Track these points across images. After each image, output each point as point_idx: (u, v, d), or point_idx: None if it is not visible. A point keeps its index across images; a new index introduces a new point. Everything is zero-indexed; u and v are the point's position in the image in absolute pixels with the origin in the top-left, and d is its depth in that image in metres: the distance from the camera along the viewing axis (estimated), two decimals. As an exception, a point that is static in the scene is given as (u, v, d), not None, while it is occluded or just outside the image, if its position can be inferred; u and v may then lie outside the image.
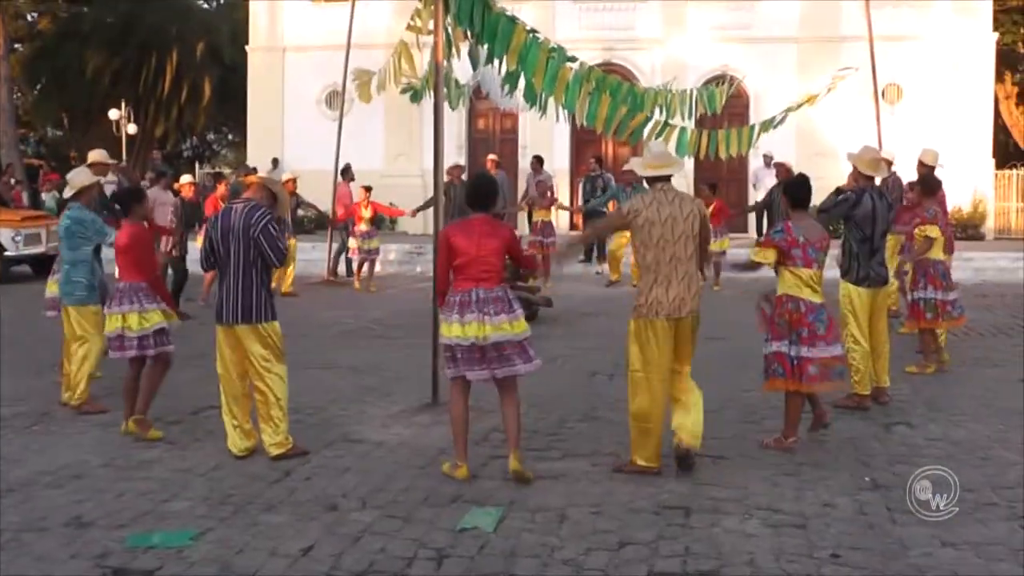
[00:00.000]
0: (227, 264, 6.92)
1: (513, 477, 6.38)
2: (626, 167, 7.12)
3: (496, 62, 8.91)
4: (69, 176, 8.90)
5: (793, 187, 7.45)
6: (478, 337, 6.30)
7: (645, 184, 6.88)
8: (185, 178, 15.16)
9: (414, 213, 18.12)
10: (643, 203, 6.57)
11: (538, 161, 20.45)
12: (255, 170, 19.79)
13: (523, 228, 21.48)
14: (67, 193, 8.74)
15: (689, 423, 6.65)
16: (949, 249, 10.79)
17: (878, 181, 9.00)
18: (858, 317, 8.45)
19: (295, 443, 7.06)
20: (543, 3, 27.43)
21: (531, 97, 9.62)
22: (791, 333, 7.08)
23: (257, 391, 6.98)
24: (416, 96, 11.23)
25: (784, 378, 7.12)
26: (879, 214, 8.45)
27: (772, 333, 7.19)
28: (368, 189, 17.91)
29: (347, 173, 19.13)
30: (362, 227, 17.43)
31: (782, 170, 16.72)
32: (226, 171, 33.47)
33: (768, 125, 9.89)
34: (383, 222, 25.43)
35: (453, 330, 6.37)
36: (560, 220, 24.15)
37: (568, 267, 18.66)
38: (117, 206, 8.55)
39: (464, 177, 17.77)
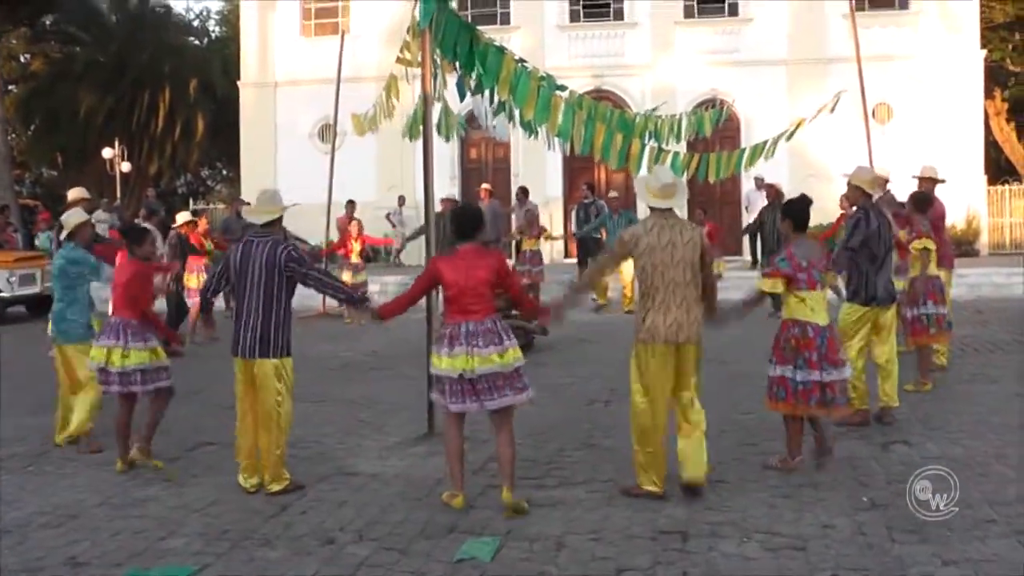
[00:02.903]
0: (244, 297, 6.92)
1: (509, 510, 6.31)
2: (636, 188, 7.12)
3: (486, 92, 8.95)
4: (63, 218, 8.97)
5: (797, 210, 7.38)
6: (465, 370, 6.30)
7: (647, 208, 6.83)
8: (182, 216, 15.19)
9: (402, 246, 18.13)
10: (644, 229, 6.60)
11: (523, 192, 20.46)
12: (247, 203, 19.83)
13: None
14: (62, 235, 8.80)
15: (691, 453, 6.62)
16: (949, 264, 10.79)
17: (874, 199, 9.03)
18: (860, 336, 8.45)
19: (292, 478, 7.05)
20: (532, 31, 27.62)
21: (526, 126, 9.66)
22: (797, 358, 7.07)
23: (264, 425, 6.97)
24: (411, 133, 11.26)
25: (785, 401, 7.12)
26: (883, 232, 8.48)
27: (777, 357, 7.18)
28: (358, 222, 18.04)
29: (350, 207, 19.28)
30: (352, 259, 17.51)
31: (772, 191, 16.80)
32: (220, 206, 33.57)
33: (758, 152, 9.92)
34: (379, 254, 25.54)
35: (442, 362, 6.38)
36: (553, 248, 24.26)
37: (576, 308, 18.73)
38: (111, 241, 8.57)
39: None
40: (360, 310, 7.59)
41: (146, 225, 12.13)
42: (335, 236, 19.03)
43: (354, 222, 18.11)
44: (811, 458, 7.29)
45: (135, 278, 7.92)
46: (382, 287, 20.46)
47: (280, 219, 7.22)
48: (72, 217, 8.85)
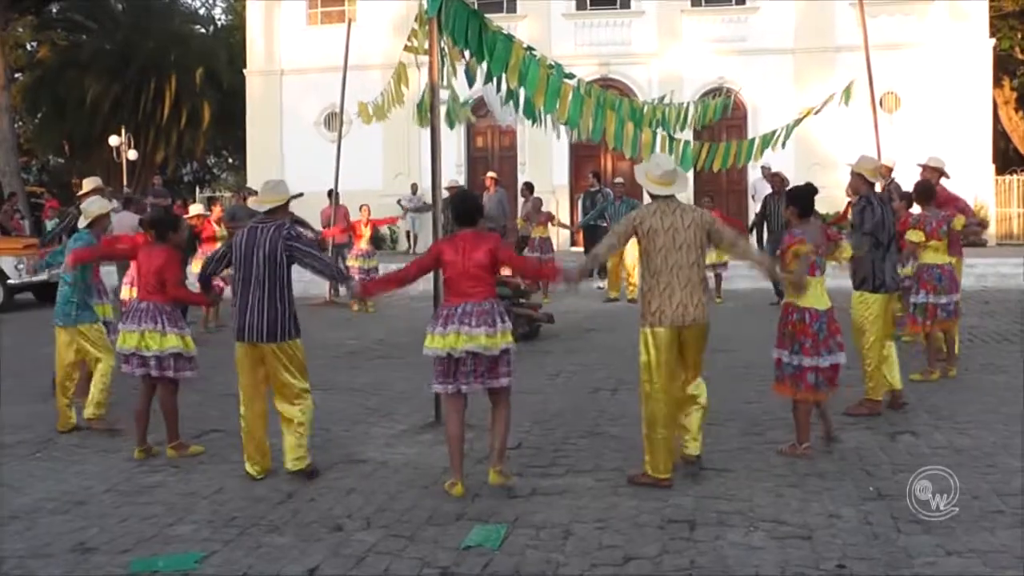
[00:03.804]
0: (249, 282, 6.92)
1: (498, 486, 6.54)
2: (636, 175, 7.17)
3: (494, 79, 8.94)
4: (83, 206, 8.97)
5: (801, 197, 7.43)
6: (454, 348, 6.38)
7: (647, 196, 6.88)
8: (194, 209, 15.29)
9: (405, 213, 18.08)
10: (647, 212, 6.65)
11: (528, 188, 20.39)
12: (255, 192, 19.84)
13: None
14: (82, 223, 8.81)
15: (690, 427, 6.79)
16: (957, 252, 10.74)
17: (877, 188, 9.03)
18: (876, 325, 8.47)
19: (312, 462, 7.11)
20: (539, 20, 27.58)
21: (531, 113, 9.65)
22: (793, 343, 7.12)
23: (286, 413, 7.01)
24: (420, 119, 11.23)
25: (782, 383, 7.28)
26: (887, 220, 8.52)
27: (777, 340, 7.29)
28: (366, 207, 18.08)
29: (331, 196, 19.30)
30: (362, 246, 17.51)
31: (777, 180, 16.75)
32: (227, 194, 33.66)
33: (768, 142, 9.93)
34: (383, 241, 25.55)
35: (434, 341, 6.48)
36: (560, 236, 24.24)
37: (584, 288, 18.80)
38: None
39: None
40: (347, 288, 7.63)
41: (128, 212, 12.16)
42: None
43: (363, 207, 18.11)
44: (820, 445, 7.37)
45: (167, 265, 7.87)
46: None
47: (284, 207, 7.20)
48: (92, 206, 8.86)
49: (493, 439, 6.68)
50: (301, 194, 7.77)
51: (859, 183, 8.68)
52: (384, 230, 25.06)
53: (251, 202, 7.39)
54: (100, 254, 8.87)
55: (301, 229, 14.23)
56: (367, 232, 17.63)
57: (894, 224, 8.77)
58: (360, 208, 18.16)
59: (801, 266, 7.24)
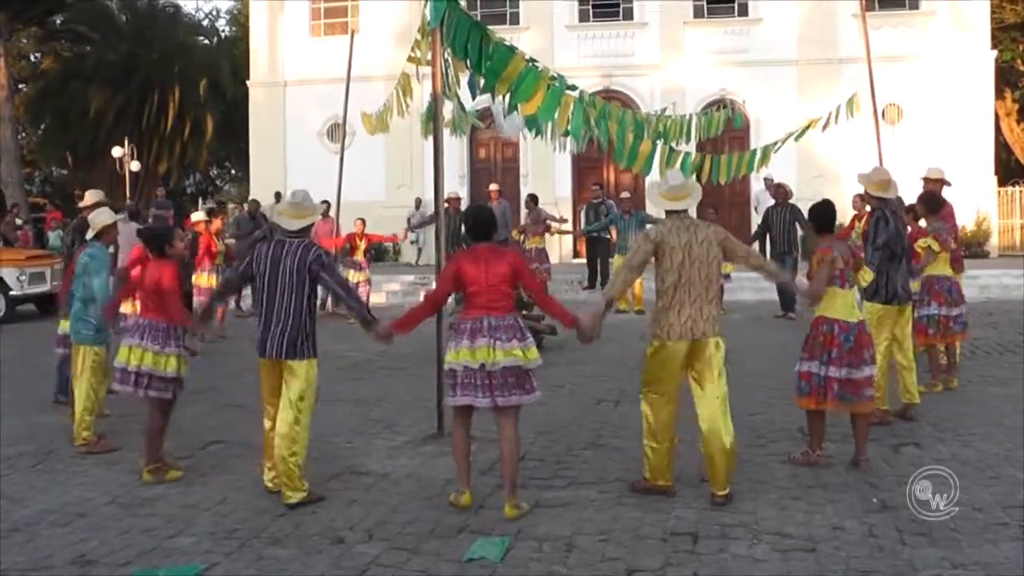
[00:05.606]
0: (272, 298, 6.83)
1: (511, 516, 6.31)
2: (648, 196, 7.17)
3: (493, 90, 8.95)
4: (90, 217, 8.91)
5: (817, 214, 7.49)
6: (488, 361, 6.27)
7: (663, 212, 6.85)
8: (197, 215, 15.19)
9: (406, 234, 18.09)
10: (662, 231, 6.62)
11: (532, 199, 20.31)
12: (258, 203, 19.88)
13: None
14: (89, 234, 8.74)
15: (719, 466, 6.52)
16: (959, 267, 10.77)
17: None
18: (881, 336, 8.49)
19: (310, 488, 6.82)
20: (541, 31, 27.61)
21: (532, 124, 9.65)
22: (823, 354, 7.14)
23: (282, 429, 6.76)
24: (424, 130, 11.22)
25: (809, 396, 7.22)
26: (900, 231, 8.55)
27: (806, 352, 7.27)
28: (362, 221, 18.16)
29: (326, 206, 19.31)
30: (356, 258, 17.55)
31: (781, 192, 16.73)
32: (230, 205, 33.68)
33: (770, 151, 9.93)
34: (386, 253, 25.54)
35: (462, 355, 6.32)
36: (562, 247, 24.21)
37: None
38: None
39: (462, 208, 17.83)
40: (370, 331, 7.31)
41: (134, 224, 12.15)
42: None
43: (358, 221, 18.17)
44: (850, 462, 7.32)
45: (168, 280, 7.68)
46: (388, 286, 20.44)
47: (312, 224, 7.10)
48: (99, 217, 8.77)
49: (505, 459, 6.43)
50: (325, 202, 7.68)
51: (868, 196, 8.73)
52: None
53: (285, 222, 7.04)
54: (126, 293, 8.91)
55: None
56: (362, 245, 17.72)
57: (906, 236, 8.80)
58: (355, 222, 18.20)
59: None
